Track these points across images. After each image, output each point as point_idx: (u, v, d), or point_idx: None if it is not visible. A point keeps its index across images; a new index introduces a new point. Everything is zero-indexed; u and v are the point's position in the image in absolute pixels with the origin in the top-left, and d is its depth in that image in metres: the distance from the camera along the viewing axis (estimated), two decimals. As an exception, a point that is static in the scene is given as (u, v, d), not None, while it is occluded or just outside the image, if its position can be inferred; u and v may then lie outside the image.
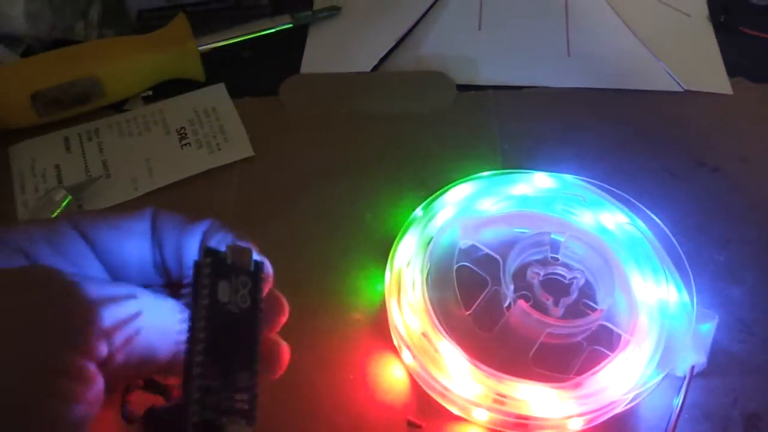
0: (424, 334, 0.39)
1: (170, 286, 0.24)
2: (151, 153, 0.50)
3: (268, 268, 0.23)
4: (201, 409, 0.20)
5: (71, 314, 0.19)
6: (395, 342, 0.41)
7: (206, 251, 0.21)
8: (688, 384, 0.38)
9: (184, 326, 0.21)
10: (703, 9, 0.60)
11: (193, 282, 0.21)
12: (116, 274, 0.23)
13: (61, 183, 0.48)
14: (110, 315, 0.19)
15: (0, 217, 0.47)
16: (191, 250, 0.23)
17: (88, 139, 0.50)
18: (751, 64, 0.56)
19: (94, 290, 0.20)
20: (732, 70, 0.55)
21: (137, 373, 0.21)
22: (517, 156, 0.50)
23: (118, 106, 0.53)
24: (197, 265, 0.21)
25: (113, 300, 0.20)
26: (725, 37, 0.58)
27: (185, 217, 0.24)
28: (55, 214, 0.45)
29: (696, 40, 0.58)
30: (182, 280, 0.23)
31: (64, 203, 0.45)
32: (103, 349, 0.19)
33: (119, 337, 0.19)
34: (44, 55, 0.51)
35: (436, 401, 0.39)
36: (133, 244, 0.23)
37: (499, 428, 0.38)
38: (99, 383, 0.19)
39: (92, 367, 0.19)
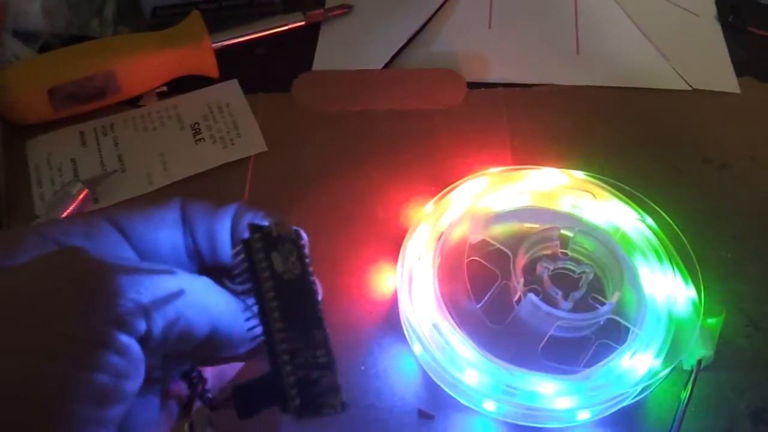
0: (435, 327, 0.39)
1: (204, 272, 0.24)
2: (165, 148, 0.50)
3: (304, 235, 0.24)
4: (293, 369, 0.21)
5: (103, 286, 0.19)
6: (406, 334, 0.41)
7: (252, 228, 0.22)
8: (695, 377, 0.39)
9: (251, 303, 0.22)
10: (711, 8, 0.60)
11: (247, 260, 0.22)
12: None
13: (77, 177, 0.49)
14: (145, 287, 0.20)
15: (17, 210, 0.47)
16: (223, 234, 0.24)
17: (103, 133, 0.51)
18: (758, 64, 0.56)
19: (128, 266, 0.20)
20: (740, 69, 0.56)
21: (176, 350, 0.21)
22: (526, 152, 0.50)
23: (133, 102, 0.53)
24: (247, 244, 0.22)
25: (148, 273, 0.20)
26: (733, 36, 0.58)
27: (213, 204, 0.25)
28: (72, 207, 0.46)
29: (704, 40, 0.58)
30: (221, 263, 0.24)
31: (80, 197, 0.46)
32: (140, 322, 0.19)
33: (157, 310, 0.20)
34: (61, 50, 0.52)
35: (446, 392, 0.39)
36: (166, 233, 0.24)
37: (508, 419, 0.38)
38: (137, 355, 0.19)
39: (129, 339, 0.19)
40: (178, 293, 0.21)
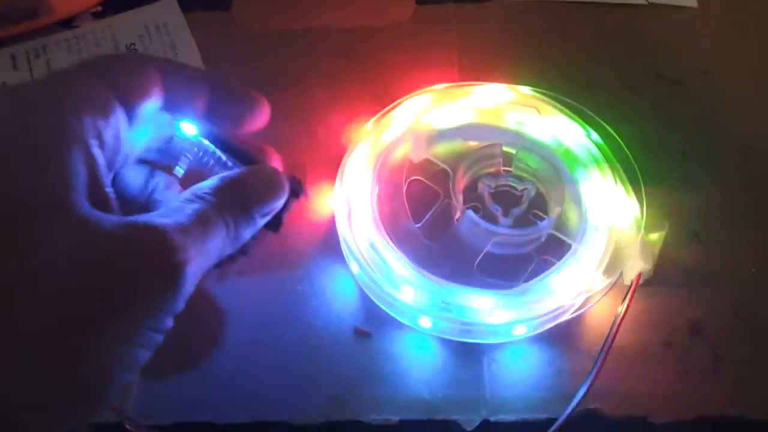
0: (372, 245, 0.39)
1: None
2: (100, 69, 0.48)
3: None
4: None
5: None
6: (344, 254, 0.41)
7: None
8: (633, 291, 0.38)
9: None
10: None
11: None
12: None
13: (8, 101, 0.47)
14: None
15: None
16: None
17: (35, 56, 0.49)
18: (718, -24, 0.54)
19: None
20: (698, -18, 0.54)
21: None
22: (476, 69, 0.49)
23: (68, 23, 0.51)
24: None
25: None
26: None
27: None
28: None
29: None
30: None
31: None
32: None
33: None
34: (-13, -32, 0.49)
35: (383, 310, 0.39)
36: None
37: (444, 335, 0.38)
38: None
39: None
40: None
